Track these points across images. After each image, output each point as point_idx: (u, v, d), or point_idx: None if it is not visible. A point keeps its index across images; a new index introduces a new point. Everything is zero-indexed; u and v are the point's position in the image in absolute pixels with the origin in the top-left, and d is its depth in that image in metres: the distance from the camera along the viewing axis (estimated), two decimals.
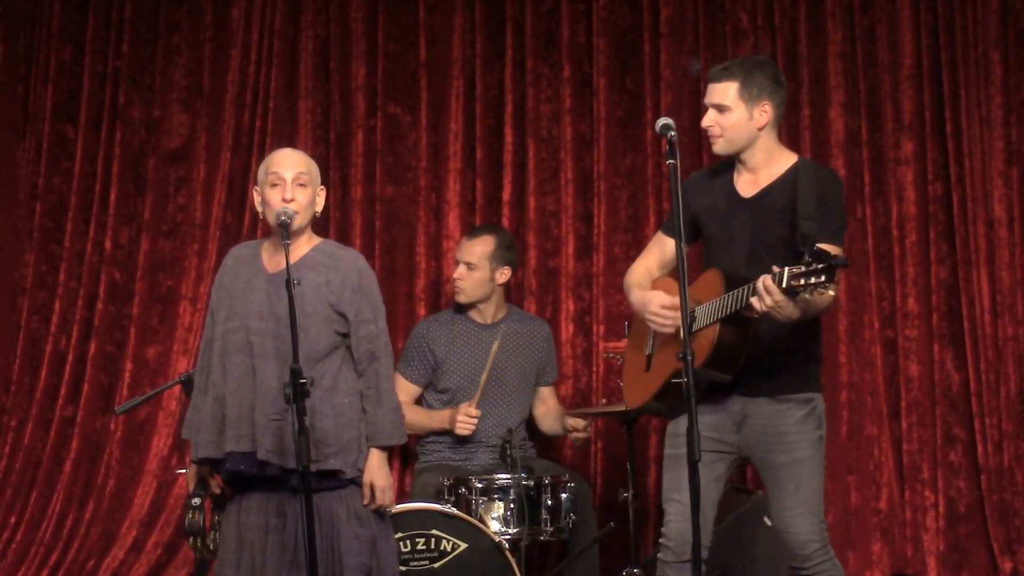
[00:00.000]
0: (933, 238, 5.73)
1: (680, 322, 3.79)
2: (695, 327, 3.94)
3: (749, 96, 4.04)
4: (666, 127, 3.85)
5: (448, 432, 5.17)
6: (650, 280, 4.22)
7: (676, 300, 3.91)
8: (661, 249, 4.26)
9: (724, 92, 4.06)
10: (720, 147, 4.09)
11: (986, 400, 5.60)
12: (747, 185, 4.09)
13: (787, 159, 4.11)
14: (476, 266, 5.22)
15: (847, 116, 5.80)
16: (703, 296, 3.96)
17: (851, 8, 5.82)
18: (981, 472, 5.58)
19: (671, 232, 4.15)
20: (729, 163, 4.18)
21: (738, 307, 3.81)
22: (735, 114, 4.04)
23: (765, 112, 4.06)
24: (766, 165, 4.09)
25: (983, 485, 5.57)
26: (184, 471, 5.29)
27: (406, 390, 5.23)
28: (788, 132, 5.78)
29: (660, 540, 4.08)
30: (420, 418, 5.19)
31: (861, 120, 5.80)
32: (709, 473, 4.01)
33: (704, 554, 4.02)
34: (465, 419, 5.05)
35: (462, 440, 5.17)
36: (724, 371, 3.92)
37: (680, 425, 4.03)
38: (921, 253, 5.73)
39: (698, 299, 3.98)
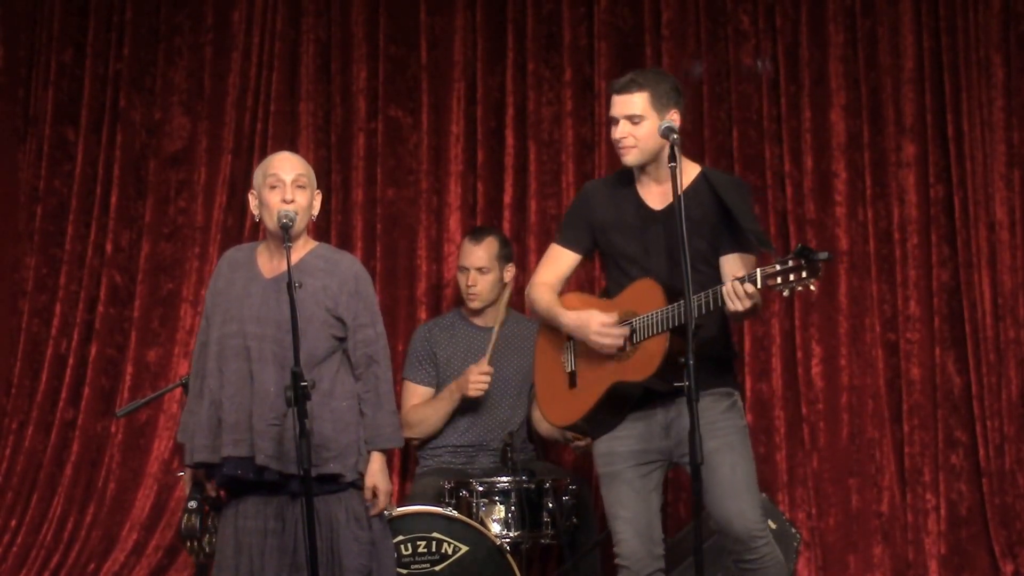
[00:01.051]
0: (935, 241, 5.73)
1: (624, 339, 3.94)
2: (637, 339, 3.95)
3: (660, 105, 4.07)
4: (668, 130, 3.87)
5: (450, 436, 5.15)
6: (556, 297, 4.20)
7: (614, 317, 3.99)
8: (557, 263, 4.25)
9: (635, 103, 4.06)
10: (634, 158, 4.07)
11: (987, 403, 5.60)
12: (656, 197, 4.09)
13: (691, 169, 4.14)
14: (488, 269, 5.22)
15: (848, 119, 5.80)
16: (640, 307, 3.95)
17: (852, 11, 5.82)
18: (983, 475, 5.58)
19: (568, 244, 4.22)
20: (626, 174, 4.17)
21: (698, 315, 3.81)
22: (647, 123, 4.05)
23: (674, 120, 4.07)
24: (672, 176, 4.04)
25: (984, 488, 5.57)
26: (184, 474, 5.29)
27: (417, 394, 5.22)
28: (789, 135, 5.79)
29: (616, 561, 4.07)
30: (432, 406, 5.14)
31: (862, 123, 5.79)
32: (646, 485, 4.06)
33: (662, 564, 4.03)
34: (479, 378, 5.01)
35: (463, 443, 5.15)
36: (670, 381, 3.81)
37: (610, 444, 4.09)
38: (923, 256, 5.73)
39: (633, 310, 3.98)
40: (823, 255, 3.62)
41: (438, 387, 5.23)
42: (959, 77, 5.73)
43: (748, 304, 3.75)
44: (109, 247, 6.04)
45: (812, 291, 3.68)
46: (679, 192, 3.76)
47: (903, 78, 5.79)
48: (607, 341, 4.00)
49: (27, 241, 6.09)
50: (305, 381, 3.82)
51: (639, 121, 4.04)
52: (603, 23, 5.89)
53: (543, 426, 5.28)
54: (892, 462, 5.65)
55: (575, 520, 4.86)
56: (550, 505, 4.78)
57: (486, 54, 5.97)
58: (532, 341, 5.23)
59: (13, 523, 5.87)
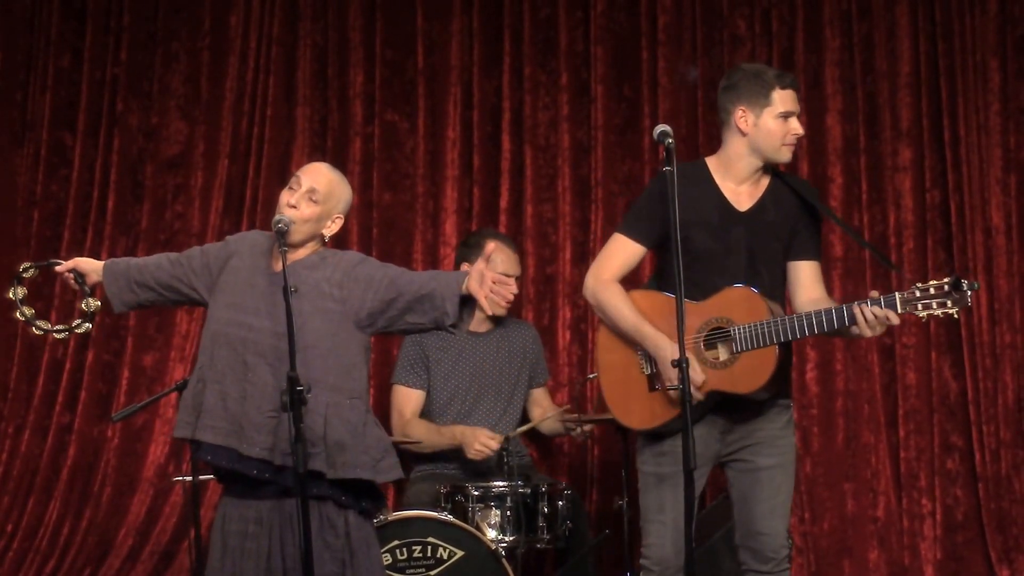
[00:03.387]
0: (931, 246, 5.73)
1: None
2: (737, 349, 3.87)
3: None
4: (663, 134, 3.83)
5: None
6: (634, 306, 4.03)
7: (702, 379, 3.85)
8: (624, 255, 4.07)
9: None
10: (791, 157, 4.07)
11: (984, 408, 5.60)
12: (740, 197, 4.02)
13: (764, 174, 4.10)
14: (519, 276, 5.22)
15: (845, 123, 5.80)
16: (737, 315, 3.87)
17: (849, 15, 5.83)
18: (979, 480, 5.58)
19: (638, 237, 4.05)
20: (699, 169, 4.09)
21: (819, 332, 3.82)
22: None
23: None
24: (762, 177, 4.07)
25: (980, 493, 5.57)
26: (180, 479, 5.29)
27: (411, 399, 5.17)
28: None
29: (642, 561, 4.02)
30: (429, 433, 5.08)
31: (859, 127, 5.80)
32: (697, 489, 3.99)
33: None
34: (484, 446, 4.90)
35: (459, 447, 5.14)
36: (771, 391, 3.88)
37: (668, 443, 3.98)
38: (919, 261, 5.73)
39: (728, 317, 3.89)
40: (974, 286, 3.66)
41: (429, 390, 5.20)
42: (955, 82, 5.74)
43: (880, 331, 3.76)
44: (106, 252, 6.03)
45: (955, 317, 3.71)
46: (675, 200, 3.70)
47: (899, 83, 5.80)
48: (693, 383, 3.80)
49: (24, 246, 6.09)
50: (301, 385, 3.79)
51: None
52: (599, 28, 5.90)
53: (543, 425, 5.26)
54: (888, 467, 5.65)
55: (570, 525, 4.86)
56: (545, 510, 4.78)
57: (482, 59, 5.97)
58: (524, 343, 5.24)
59: (9, 527, 5.86)
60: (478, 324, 5.27)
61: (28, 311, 4.19)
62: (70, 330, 4.24)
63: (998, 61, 5.77)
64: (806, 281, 4.02)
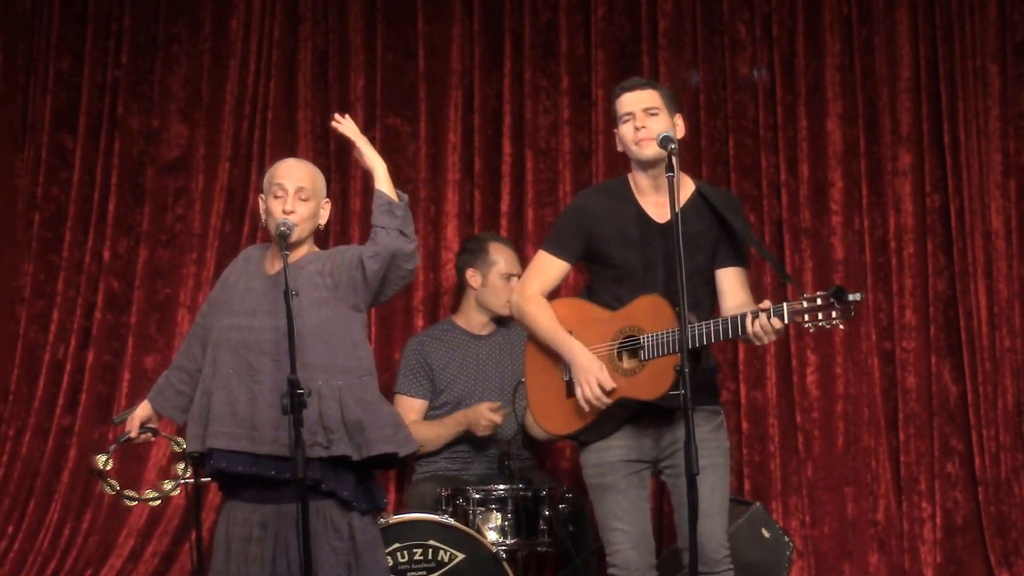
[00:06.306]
0: (931, 250, 5.74)
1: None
2: (645, 357, 3.93)
3: (670, 104, 4.09)
4: (666, 140, 3.86)
5: (449, 444, 5.15)
6: (556, 319, 4.12)
7: (611, 382, 3.94)
8: (548, 272, 4.17)
9: (650, 97, 4.05)
10: (653, 151, 3.98)
11: (983, 412, 5.61)
12: (659, 210, 4.05)
13: (687, 183, 4.12)
14: (519, 275, 5.23)
15: (845, 128, 5.81)
16: (647, 323, 3.93)
17: (849, 20, 5.84)
18: (978, 484, 5.59)
19: (561, 253, 4.15)
20: (621, 183, 4.14)
21: (716, 340, 3.83)
22: (663, 117, 4.04)
23: (679, 126, 4.10)
24: (683, 189, 4.07)
25: (980, 497, 5.58)
26: (182, 480, 5.29)
27: (414, 408, 5.18)
28: (786, 144, 5.80)
29: (610, 571, 4.07)
30: (433, 430, 5.11)
31: (859, 132, 5.81)
32: (640, 493, 4.08)
33: (655, 573, 4.05)
34: (489, 420, 4.99)
35: (458, 448, 5.15)
36: (678, 399, 3.84)
37: (602, 454, 4.07)
38: (919, 265, 5.74)
39: (639, 326, 3.94)
40: (856, 296, 3.65)
41: (434, 396, 5.22)
42: (955, 86, 5.75)
43: (773, 339, 3.77)
44: (107, 254, 6.03)
45: (840, 329, 3.72)
46: (676, 204, 3.75)
47: (899, 87, 5.81)
48: (593, 402, 3.95)
49: (25, 248, 6.09)
50: (302, 389, 3.81)
51: (656, 113, 4.02)
52: (600, 32, 5.91)
53: (536, 430, 5.26)
54: (888, 471, 5.66)
55: (571, 528, 4.87)
56: (546, 513, 4.79)
57: (483, 62, 5.98)
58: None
59: (10, 529, 5.86)
60: (481, 327, 5.29)
61: (130, 493, 4.46)
62: (180, 480, 4.42)
63: (998, 66, 5.78)
64: (730, 288, 4.05)
